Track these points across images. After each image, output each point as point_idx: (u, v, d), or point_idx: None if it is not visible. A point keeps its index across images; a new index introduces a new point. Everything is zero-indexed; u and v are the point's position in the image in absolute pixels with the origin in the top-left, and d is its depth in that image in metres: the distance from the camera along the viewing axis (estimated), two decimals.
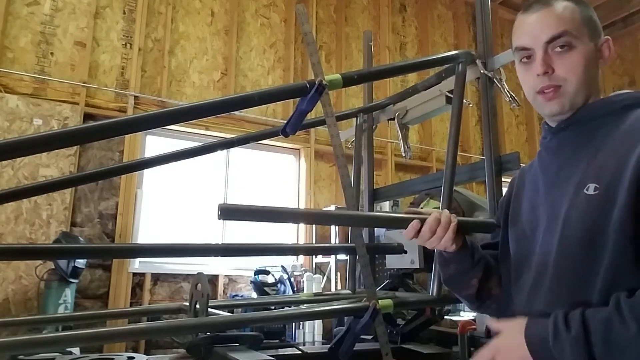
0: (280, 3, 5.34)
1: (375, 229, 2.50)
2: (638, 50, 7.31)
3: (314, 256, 4.78)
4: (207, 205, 4.66)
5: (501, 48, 5.47)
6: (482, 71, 1.77)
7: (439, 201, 1.76)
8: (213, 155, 4.33)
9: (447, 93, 1.93)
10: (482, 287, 0.99)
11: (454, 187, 1.83)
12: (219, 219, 0.83)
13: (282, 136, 1.47)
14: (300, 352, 1.80)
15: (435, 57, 1.91)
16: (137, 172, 4.16)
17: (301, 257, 4.76)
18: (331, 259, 4.60)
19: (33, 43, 4.03)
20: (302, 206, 5.02)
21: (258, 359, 1.40)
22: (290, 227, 5.03)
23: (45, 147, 1.17)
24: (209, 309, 1.52)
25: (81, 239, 3.71)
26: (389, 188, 2.62)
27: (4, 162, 3.63)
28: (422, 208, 2.19)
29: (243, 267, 4.45)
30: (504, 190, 1.38)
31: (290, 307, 2.31)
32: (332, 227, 4.73)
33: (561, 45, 0.88)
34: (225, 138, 2.45)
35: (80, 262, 3.48)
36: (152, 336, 3.22)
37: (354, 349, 1.33)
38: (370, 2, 5.97)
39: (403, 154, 2.23)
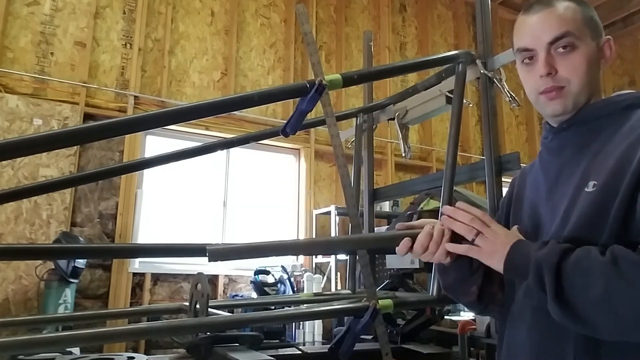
0: (280, 3, 5.34)
1: (375, 228, 2.51)
2: (638, 50, 7.31)
3: (314, 256, 4.78)
4: (207, 205, 4.66)
5: (501, 48, 5.47)
6: (482, 71, 1.77)
7: (439, 201, 1.76)
8: (213, 155, 4.34)
9: (447, 93, 1.93)
10: (484, 292, 0.98)
11: (454, 187, 1.83)
12: (210, 261, 0.84)
13: (282, 136, 1.47)
14: (300, 352, 1.80)
15: (435, 57, 1.91)
16: (137, 172, 4.16)
17: (301, 257, 4.76)
18: (331, 259, 4.60)
19: (33, 43, 4.03)
20: (302, 206, 5.03)
21: (258, 359, 1.41)
22: (291, 227, 5.03)
23: (45, 147, 1.17)
24: (209, 309, 1.52)
25: (81, 239, 3.71)
26: (389, 188, 2.62)
27: (4, 162, 3.63)
28: (422, 208, 2.19)
29: (243, 267, 4.45)
30: (504, 190, 1.38)
31: (290, 307, 2.31)
32: (332, 227, 4.73)
33: (564, 45, 0.88)
34: (225, 138, 2.45)
35: (80, 262, 3.48)
36: (152, 336, 3.22)
37: (354, 349, 1.33)
38: (370, 2, 5.97)
39: (403, 154, 2.23)
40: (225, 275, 4.45)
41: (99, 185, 4.06)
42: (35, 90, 3.95)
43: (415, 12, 6.35)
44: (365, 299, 1.38)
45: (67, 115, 3.94)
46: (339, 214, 4.73)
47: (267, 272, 4.13)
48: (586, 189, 0.82)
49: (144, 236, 4.21)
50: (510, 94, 1.73)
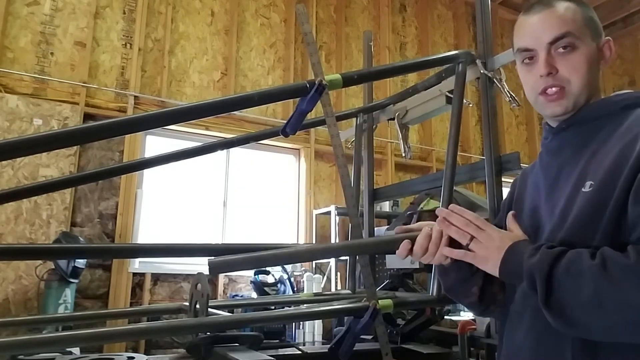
0: (280, 3, 5.34)
1: (375, 228, 2.51)
2: (638, 50, 7.31)
3: None
4: (207, 205, 4.66)
5: (501, 48, 5.48)
6: (482, 71, 1.77)
7: (439, 201, 1.76)
8: (213, 155, 4.34)
9: (447, 93, 1.93)
10: (484, 293, 0.98)
11: (454, 187, 1.83)
12: (211, 274, 0.85)
13: (282, 136, 1.47)
14: (300, 352, 1.80)
15: (435, 57, 1.91)
16: (137, 172, 4.16)
17: None
18: (331, 259, 4.60)
19: (33, 43, 4.03)
20: (302, 206, 5.03)
21: (258, 359, 1.41)
22: (291, 227, 5.03)
23: (45, 147, 1.17)
24: (209, 309, 1.52)
25: (81, 239, 3.71)
26: (389, 188, 2.62)
27: (4, 162, 3.63)
28: (422, 208, 2.19)
29: None
30: (504, 190, 1.38)
31: (290, 307, 2.31)
32: (332, 227, 4.73)
33: (564, 46, 0.88)
34: (225, 138, 2.45)
35: (80, 262, 3.48)
36: (152, 336, 3.22)
37: (354, 349, 1.33)
38: (370, 2, 5.97)
39: (403, 154, 2.23)
40: (225, 275, 4.45)
41: (99, 185, 4.06)
42: (35, 90, 3.95)
43: (415, 12, 6.35)
44: (365, 299, 1.38)
45: (67, 115, 3.94)
46: (339, 214, 4.73)
47: (267, 272, 4.13)
48: (583, 189, 0.82)
49: (144, 236, 4.21)
50: (510, 94, 1.73)
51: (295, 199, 5.11)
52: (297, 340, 3.99)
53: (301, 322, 3.98)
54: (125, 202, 4.08)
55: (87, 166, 4.03)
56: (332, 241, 4.70)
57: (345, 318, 1.67)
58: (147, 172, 4.31)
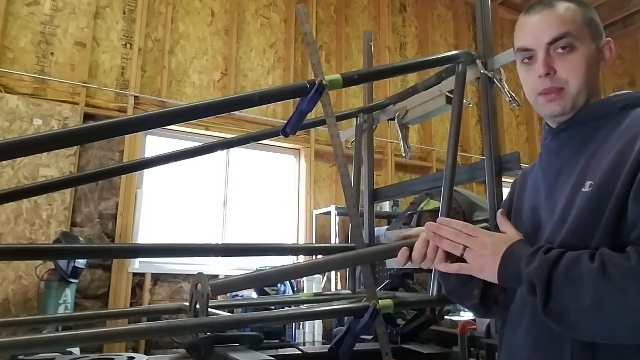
0: (280, 3, 5.34)
1: (375, 228, 2.51)
2: (638, 50, 7.31)
3: (314, 256, 4.77)
4: (207, 205, 4.66)
5: (501, 48, 5.47)
6: (482, 71, 1.77)
7: (439, 201, 1.76)
8: (213, 155, 4.34)
9: (447, 93, 1.93)
10: (486, 295, 0.98)
11: (454, 187, 1.83)
12: (214, 295, 0.85)
13: (282, 136, 1.47)
14: (300, 352, 1.80)
15: (435, 57, 1.91)
16: (137, 172, 4.16)
17: (301, 257, 4.76)
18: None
19: (33, 43, 4.03)
20: (302, 206, 5.02)
21: (258, 359, 1.41)
22: (291, 227, 5.03)
23: (45, 147, 1.17)
24: (209, 309, 1.52)
25: (81, 239, 3.71)
26: (389, 188, 2.62)
27: (4, 162, 3.63)
28: (422, 208, 2.19)
29: (243, 267, 4.45)
30: (504, 190, 1.38)
31: (290, 307, 2.31)
32: (332, 227, 4.73)
33: (563, 46, 0.88)
34: (225, 138, 2.45)
35: (80, 262, 3.48)
36: (152, 336, 3.22)
37: (354, 349, 1.33)
38: (370, 2, 5.97)
39: (403, 154, 2.23)
40: (225, 275, 4.44)
41: (99, 185, 4.06)
42: (35, 90, 3.95)
43: (415, 12, 6.35)
44: (365, 299, 1.38)
45: (67, 115, 3.94)
46: (339, 214, 4.73)
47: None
48: (583, 189, 0.82)
49: (144, 236, 4.21)
50: (510, 94, 1.73)
51: (295, 199, 5.11)
52: (297, 340, 3.99)
53: (301, 322, 3.97)
54: (125, 202, 4.08)
55: (87, 166, 4.03)
56: (332, 241, 4.70)
57: (345, 318, 1.67)
58: (147, 172, 4.31)
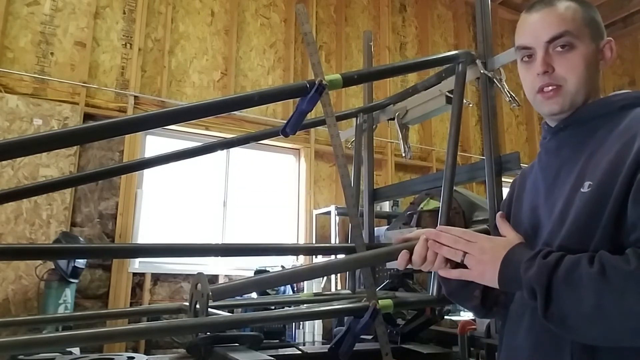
0: (280, 3, 5.34)
1: (375, 228, 2.51)
2: (638, 50, 7.31)
3: (314, 256, 4.78)
4: (207, 205, 4.66)
5: (501, 48, 5.48)
6: (482, 71, 1.77)
7: (439, 201, 1.76)
8: (213, 155, 4.34)
9: (447, 93, 1.93)
10: (486, 295, 0.99)
11: (454, 187, 1.83)
12: (214, 300, 0.85)
13: (282, 136, 1.47)
14: (300, 352, 1.80)
15: (435, 57, 1.91)
16: (137, 172, 4.16)
17: (301, 257, 4.76)
18: (331, 259, 4.59)
19: (33, 43, 4.03)
20: (302, 206, 5.03)
21: (258, 359, 1.41)
22: (291, 227, 5.03)
23: (45, 147, 1.17)
24: (209, 309, 1.52)
25: (81, 239, 3.71)
26: (389, 188, 2.62)
27: (4, 162, 3.63)
28: (422, 208, 2.19)
29: (243, 267, 4.45)
30: (504, 190, 1.38)
31: (290, 307, 2.31)
32: (332, 227, 4.73)
33: (562, 45, 0.88)
34: (225, 138, 2.44)
35: (80, 262, 3.48)
36: (152, 336, 3.22)
37: (354, 349, 1.33)
38: (370, 2, 5.97)
39: (403, 154, 2.23)
40: (225, 275, 4.45)
41: (99, 185, 4.06)
42: (35, 90, 3.95)
43: (415, 12, 6.35)
44: (365, 299, 1.38)
45: (67, 115, 3.94)
46: (339, 214, 4.73)
47: (267, 272, 4.12)
48: (582, 189, 0.82)
49: (144, 236, 4.21)
50: (510, 94, 1.73)
51: (295, 199, 5.11)
52: (297, 340, 3.99)
53: (301, 322, 3.98)
54: (125, 202, 4.08)
55: (87, 166, 4.03)
56: (332, 241, 4.70)
57: (345, 318, 1.67)
58: (147, 172, 4.31)
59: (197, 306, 1.57)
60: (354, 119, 2.48)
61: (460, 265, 0.88)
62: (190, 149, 1.99)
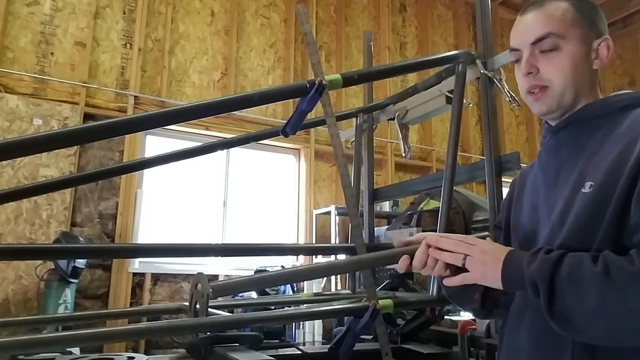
0: (280, 3, 5.34)
1: (375, 228, 2.51)
2: (638, 50, 7.31)
3: (314, 256, 4.78)
4: (207, 205, 4.66)
5: (501, 48, 5.46)
6: (482, 71, 1.77)
7: (439, 201, 1.76)
8: (213, 155, 4.34)
9: (447, 93, 1.93)
10: (486, 297, 0.98)
11: (454, 187, 1.83)
12: (214, 297, 0.85)
13: (282, 136, 1.47)
14: (300, 352, 1.80)
15: (435, 57, 1.91)
16: (137, 172, 4.16)
17: (301, 257, 4.76)
18: (331, 259, 4.59)
19: (33, 43, 4.03)
20: (302, 206, 5.02)
21: (258, 359, 1.41)
22: (291, 227, 5.03)
23: (45, 147, 1.17)
24: (209, 309, 1.52)
25: (81, 239, 3.71)
26: (389, 188, 2.62)
27: (4, 162, 3.63)
28: (422, 208, 2.19)
29: (243, 267, 4.45)
30: (504, 190, 1.38)
31: (290, 307, 2.31)
32: (332, 227, 4.73)
33: (547, 46, 0.89)
34: (225, 138, 2.44)
35: (80, 262, 3.48)
36: (152, 336, 3.22)
37: (354, 349, 1.33)
38: (370, 2, 5.97)
39: (403, 154, 2.23)
40: (225, 275, 4.44)
41: (99, 185, 4.06)
42: (35, 90, 3.95)
43: (415, 12, 6.35)
44: (365, 299, 1.38)
45: (67, 115, 3.94)
46: (339, 214, 4.73)
47: (267, 272, 4.12)
48: (583, 190, 0.82)
49: (144, 236, 4.21)
50: (510, 94, 1.73)
51: (295, 199, 5.11)
52: (297, 340, 3.99)
53: (301, 322, 3.98)
54: (125, 202, 4.08)
55: (87, 166, 4.04)
56: (332, 241, 4.70)
57: (345, 318, 1.67)
58: (147, 172, 4.31)
59: (197, 306, 1.57)
60: (354, 119, 2.48)
61: (462, 270, 0.87)
62: (190, 149, 1.99)
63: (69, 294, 3.44)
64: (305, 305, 2.03)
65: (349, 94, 5.42)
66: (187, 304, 1.65)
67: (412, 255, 0.91)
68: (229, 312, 1.76)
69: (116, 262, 3.95)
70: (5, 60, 3.89)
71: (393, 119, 2.28)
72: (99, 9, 4.34)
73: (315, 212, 4.95)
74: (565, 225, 0.83)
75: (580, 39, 0.90)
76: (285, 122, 1.42)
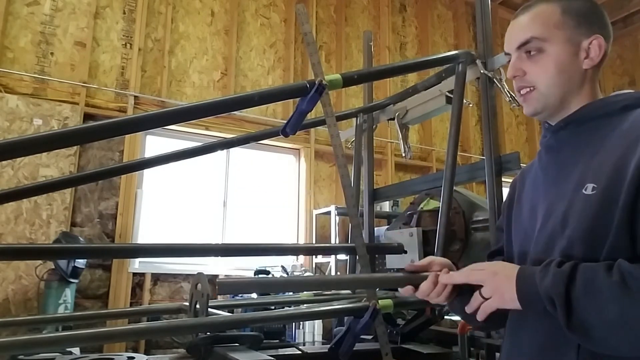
0: (280, 3, 5.34)
1: (375, 228, 2.51)
2: (638, 50, 7.30)
3: (314, 256, 4.78)
4: (207, 205, 4.66)
5: (501, 48, 5.42)
6: (482, 71, 1.77)
7: (439, 201, 1.76)
8: (213, 155, 4.34)
9: (447, 93, 1.93)
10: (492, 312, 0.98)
11: (454, 187, 1.83)
12: (219, 294, 0.85)
13: (282, 136, 1.47)
14: (300, 352, 1.80)
15: (435, 57, 1.91)
16: (137, 172, 4.16)
17: (301, 257, 4.76)
18: (331, 259, 4.60)
19: (33, 43, 4.03)
20: (302, 206, 5.02)
21: (258, 359, 1.41)
22: (291, 227, 5.03)
23: (45, 147, 1.17)
24: (209, 309, 1.52)
25: (81, 239, 3.71)
26: (389, 188, 2.62)
27: (4, 162, 3.63)
28: (422, 208, 2.19)
29: (243, 267, 4.45)
30: (504, 190, 1.38)
31: (290, 307, 2.31)
32: (332, 227, 4.73)
33: (531, 49, 0.91)
34: (225, 138, 2.45)
35: (80, 262, 3.47)
36: (152, 336, 3.22)
37: (354, 349, 1.33)
38: (370, 2, 5.97)
39: (403, 154, 2.24)
40: (225, 275, 4.44)
41: (99, 185, 4.06)
42: (35, 90, 3.95)
43: (415, 12, 6.35)
44: (365, 299, 1.38)
45: (67, 115, 3.94)
46: (339, 214, 4.73)
47: (267, 272, 4.12)
48: (584, 191, 0.81)
49: (144, 236, 4.21)
50: (510, 94, 1.72)
51: (295, 199, 5.11)
52: (297, 340, 3.99)
53: (301, 322, 3.97)
54: (125, 202, 4.08)
55: (87, 166, 4.03)
56: (332, 241, 4.70)
57: (345, 318, 1.67)
58: (147, 172, 4.31)
59: (197, 306, 1.57)
60: (354, 119, 2.49)
61: (466, 292, 0.88)
62: (190, 149, 1.99)
63: (69, 294, 3.44)
64: (305, 305, 2.03)
65: (349, 94, 5.42)
66: (187, 304, 1.65)
67: (417, 285, 0.92)
68: (228, 312, 1.77)
69: (116, 262, 3.95)
70: (5, 60, 3.89)
71: (393, 119, 2.29)
72: (99, 9, 4.34)
73: (315, 212, 4.95)
74: (567, 228, 0.82)
75: (567, 40, 0.90)
76: (285, 122, 1.42)
